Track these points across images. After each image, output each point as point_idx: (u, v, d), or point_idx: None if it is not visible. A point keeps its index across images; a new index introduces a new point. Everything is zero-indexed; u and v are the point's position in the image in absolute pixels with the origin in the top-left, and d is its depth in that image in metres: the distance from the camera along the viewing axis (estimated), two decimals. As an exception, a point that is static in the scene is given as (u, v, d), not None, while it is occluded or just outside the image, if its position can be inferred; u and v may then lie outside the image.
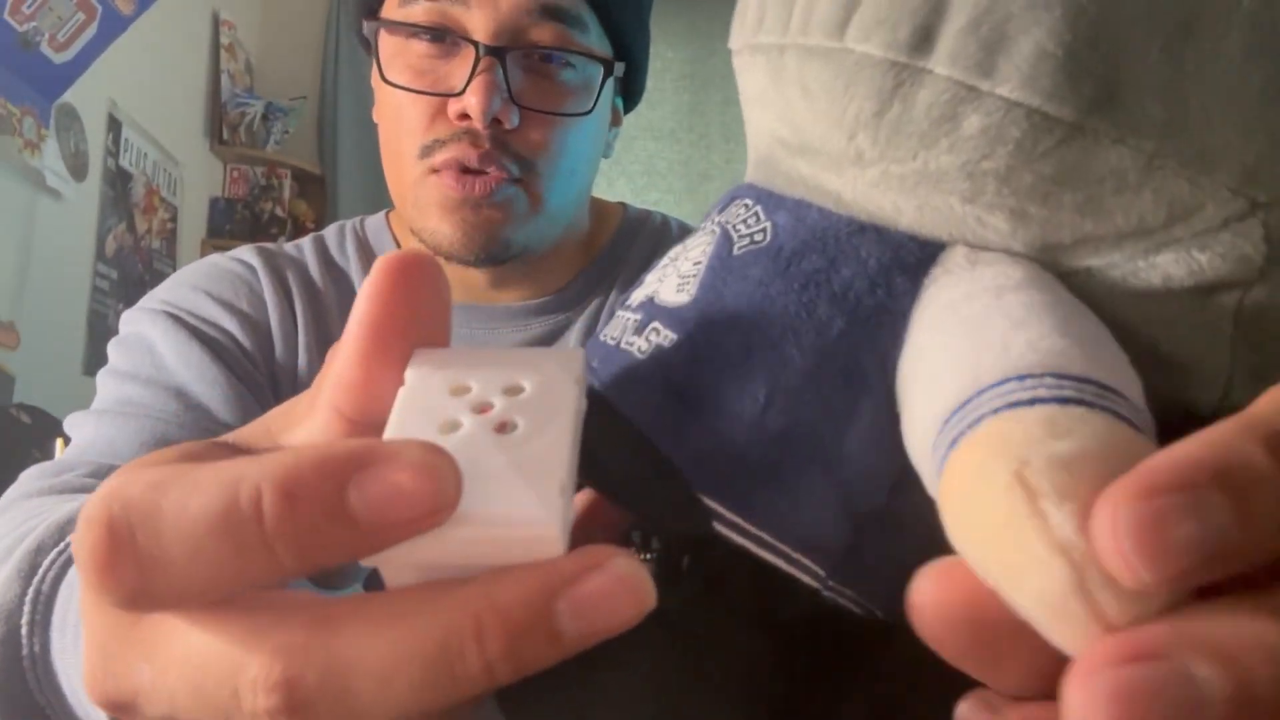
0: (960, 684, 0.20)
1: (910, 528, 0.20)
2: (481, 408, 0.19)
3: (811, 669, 0.22)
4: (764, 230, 0.23)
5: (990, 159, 0.20)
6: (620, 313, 0.26)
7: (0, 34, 1.74)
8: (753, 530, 0.21)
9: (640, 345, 0.23)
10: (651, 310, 0.24)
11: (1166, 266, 0.20)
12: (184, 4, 2.38)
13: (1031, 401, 0.15)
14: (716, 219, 0.25)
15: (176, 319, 0.60)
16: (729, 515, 0.21)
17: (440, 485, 0.16)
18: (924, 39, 0.19)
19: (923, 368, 0.19)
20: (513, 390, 0.19)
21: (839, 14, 0.21)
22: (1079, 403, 0.15)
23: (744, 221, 0.24)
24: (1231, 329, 0.20)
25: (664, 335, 0.23)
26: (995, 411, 0.15)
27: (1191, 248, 0.19)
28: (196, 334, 0.60)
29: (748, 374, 0.21)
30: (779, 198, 0.24)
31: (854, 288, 0.21)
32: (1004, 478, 0.14)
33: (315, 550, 0.16)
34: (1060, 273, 0.21)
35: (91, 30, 1.92)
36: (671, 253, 0.26)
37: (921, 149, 0.20)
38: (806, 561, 0.20)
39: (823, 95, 0.21)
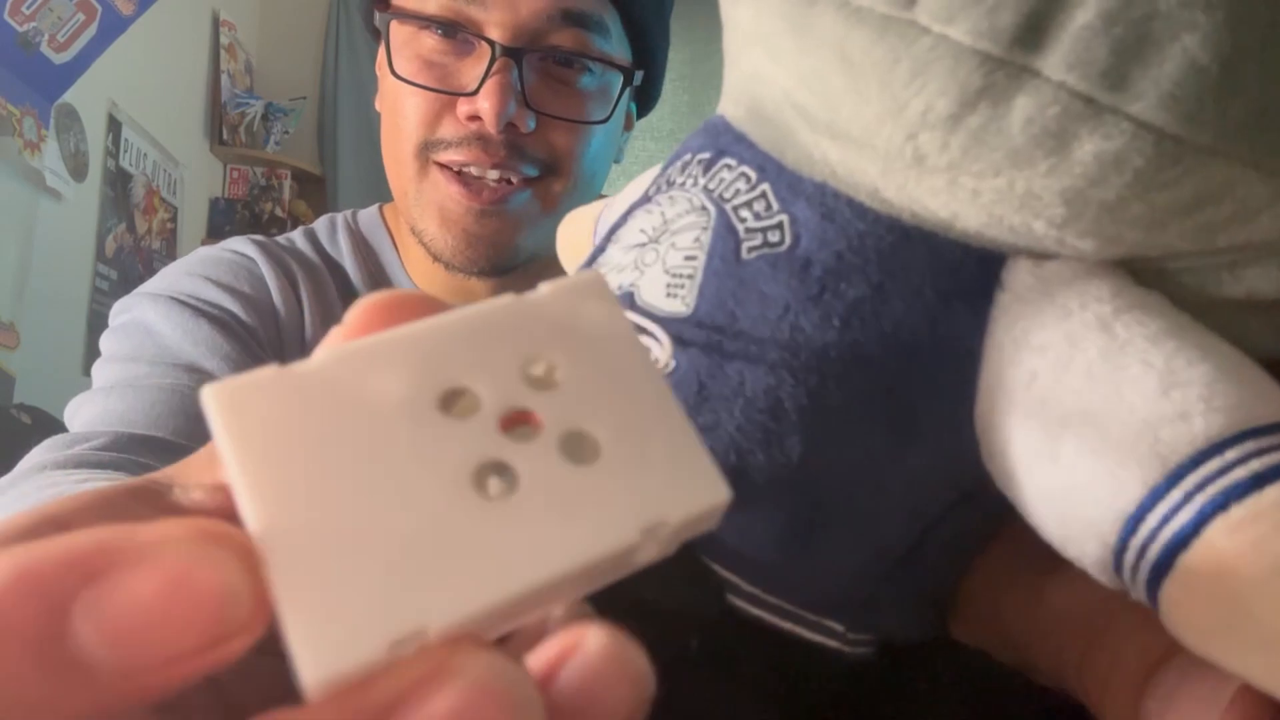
0: (979, 705, 0.19)
1: (930, 565, 0.19)
2: (513, 423, 0.12)
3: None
4: (779, 226, 0.19)
5: (1100, 188, 0.16)
6: None
7: (0, 34, 1.74)
8: (772, 601, 0.18)
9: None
10: (634, 315, 0.20)
11: (1252, 280, 0.17)
12: (184, 4, 2.38)
13: (1256, 482, 0.14)
14: (704, 184, 0.20)
15: (178, 301, 0.57)
16: (746, 587, 0.18)
17: (221, 598, 0.10)
18: (1034, 31, 0.15)
19: (1062, 441, 0.16)
20: (541, 373, 0.13)
21: None
22: None
23: (748, 206, 0.19)
24: None
25: (657, 358, 0.19)
26: (1223, 506, 0.14)
27: None
28: (202, 313, 0.56)
29: (777, 426, 0.17)
30: (794, 177, 0.19)
31: (908, 325, 0.17)
32: None
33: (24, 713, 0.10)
34: (1132, 269, 0.18)
35: (91, 31, 1.92)
36: (643, 223, 0.21)
37: (1010, 167, 0.16)
38: (828, 623, 0.19)
39: (873, 76, 0.17)
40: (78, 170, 1.99)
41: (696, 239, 0.19)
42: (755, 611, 0.18)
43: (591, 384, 0.12)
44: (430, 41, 0.56)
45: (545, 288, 0.13)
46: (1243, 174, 0.16)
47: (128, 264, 2.19)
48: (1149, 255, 0.18)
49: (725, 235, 0.19)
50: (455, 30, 0.55)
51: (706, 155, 0.21)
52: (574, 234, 0.33)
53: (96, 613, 0.10)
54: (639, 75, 0.60)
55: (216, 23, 2.55)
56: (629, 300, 0.20)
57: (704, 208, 0.20)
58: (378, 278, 0.65)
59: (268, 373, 0.12)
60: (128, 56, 2.07)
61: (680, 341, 0.18)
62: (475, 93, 0.54)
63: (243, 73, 2.66)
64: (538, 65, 0.56)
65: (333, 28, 2.68)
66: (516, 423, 0.12)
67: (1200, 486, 0.14)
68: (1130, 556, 0.15)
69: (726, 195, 0.20)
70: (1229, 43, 0.14)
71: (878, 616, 0.19)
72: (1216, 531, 0.14)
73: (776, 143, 0.20)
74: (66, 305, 2.01)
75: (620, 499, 0.12)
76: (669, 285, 0.19)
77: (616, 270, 0.21)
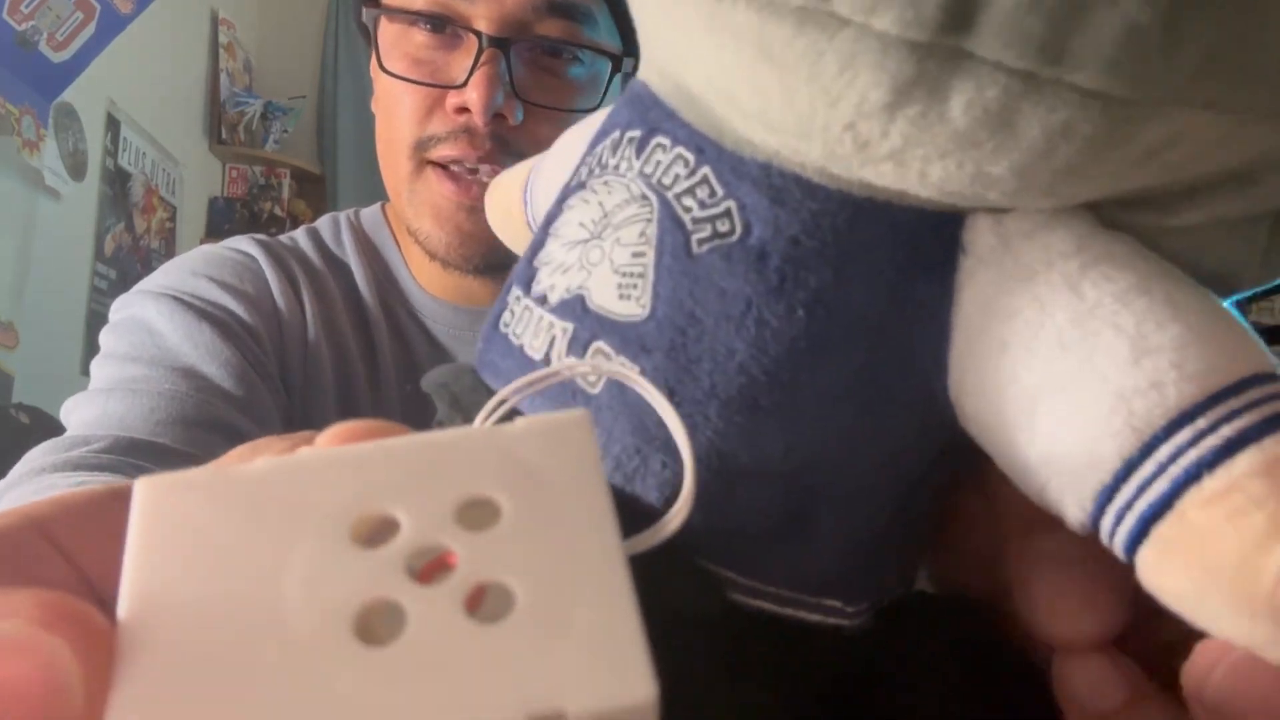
0: (980, 688, 0.19)
1: (917, 525, 0.20)
2: (425, 562, 0.11)
3: (844, 709, 0.20)
4: (727, 214, 0.18)
5: (1051, 158, 0.15)
6: (529, 304, 0.20)
7: (-1, 33, 1.74)
8: (770, 590, 0.18)
9: (586, 374, 0.18)
10: (587, 320, 0.19)
11: (1218, 205, 0.17)
12: (183, 3, 2.37)
13: (1227, 449, 0.14)
14: (639, 169, 0.19)
15: (179, 300, 0.56)
16: (744, 581, 0.18)
17: (50, 688, 0.09)
18: (961, 13, 0.14)
19: (1036, 413, 0.16)
20: (474, 513, 0.11)
21: None
22: (1263, 426, 0.14)
23: (690, 193, 0.18)
24: (1266, 241, 0.18)
25: (619, 364, 0.18)
26: (1195, 478, 0.14)
27: (1248, 184, 0.17)
28: (203, 314, 0.56)
29: (755, 425, 0.17)
30: (734, 159, 0.18)
31: (875, 307, 0.17)
32: None
33: None
34: (1092, 207, 0.18)
35: (90, 29, 1.91)
36: (581, 215, 0.20)
37: (956, 149, 0.16)
38: (827, 602, 0.19)
39: (800, 70, 0.16)
40: (76, 169, 1.99)
41: (642, 233, 0.19)
42: (755, 603, 0.18)
43: (531, 535, 0.11)
44: (419, 37, 0.57)
45: (524, 422, 0.12)
46: (1198, 115, 0.15)
47: (126, 263, 2.19)
48: (1109, 199, 0.17)
49: (672, 229, 0.18)
50: (443, 24, 0.55)
51: (637, 133, 0.20)
52: (502, 202, 0.33)
53: None
54: (628, 63, 0.60)
55: (215, 21, 2.54)
56: (579, 304, 0.19)
57: (644, 196, 0.19)
58: (382, 276, 0.65)
59: (203, 473, 0.11)
60: (126, 55, 2.07)
61: (643, 349, 0.18)
62: (464, 85, 0.54)
63: (242, 71, 2.66)
64: (526, 56, 0.56)
65: (332, 26, 2.68)
66: (440, 567, 0.11)
67: (1173, 458, 0.15)
68: (1107, 523, 0.16)
69: (666, 181, 0.19)
70: None
71: (874, 582, 0.19)
72: (1190, 503, 0.14)
73: (711, 123, 0.19)
74: (65, 304, 2.00)
75: (513, 673, 0.10)
76: (620, 286, 0.19)
77: (561, 271, 0.20)
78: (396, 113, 0.58)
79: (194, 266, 0.60)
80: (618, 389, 0.18)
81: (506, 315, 0.21)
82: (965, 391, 0.17)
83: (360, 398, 0.61)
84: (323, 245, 0.65)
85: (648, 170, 0.19)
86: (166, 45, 2.32)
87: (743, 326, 0.17)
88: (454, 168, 0.56)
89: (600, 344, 0.18)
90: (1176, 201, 0.17)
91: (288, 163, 2.63)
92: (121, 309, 0.58)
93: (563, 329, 0.19)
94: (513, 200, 0.31)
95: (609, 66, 0.58)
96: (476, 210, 0.56)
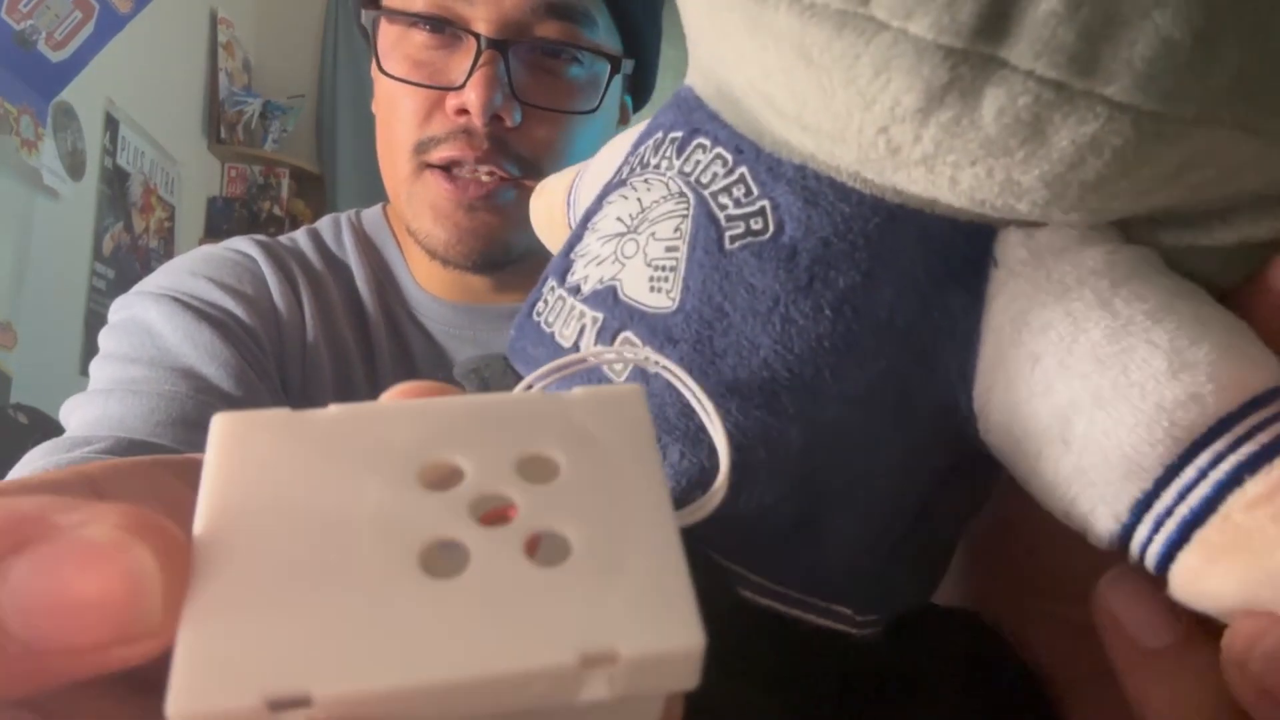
0: (985, 701, 0.19)
1: (932, 539, 0.20)
2: (488, 509, 0.11)
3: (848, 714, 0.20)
4: (761, 213, 0.18)
5: (1080, 170, 0.16)
6: (562, 294, 0.21)
7: (-3, 32, 1.73)
8: (780, 590, 0.18)
9: (611, 362, 0.19)
10: (618, 310, 0.19)
11: (1245, 226, 0.18)
12: (182, 2, 2.37)
13: (1267, 453, 0.15)
14: (679, 168, 0.20)
15: (179, 301, 0.56)
16: (754, 577, 0.18)
17: (132, 592, 0.10)
18: (996, 20, 0.14)
19: (1073, 425, 0.16)
20: (535, 468, 0.12)
21: None
22: None
23: (727, 191, 0.19)
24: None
25: (645, 356, 0.18)
26: (1238, 481, 0.15)
27: (1276, 204, 0.17)
28: (203, 315, 0.56)
29: (775, 420, 0.17)
30: (772, 159, 0.19)
31: (902, 312, 0.17)
32: None
33: None
34: (1121, 224, 0.18)
35: (89, 29, 1.91)
36: (619, 210, 0.21)
37: (986, 156, 0.16)
38: (837, 608, 0.19)
39: (837, 73, 0.16)
40: (75, 169, 1.99)
41: (677, 228, 0.19)
42: (764, 601, 0.18)
43: (587, 491, 0.11)
44: (419, 38, 0.57)
45: (581, 391, 0.13)
46: (1228, 136, 0.15)
47: (125, 263, 2.18)
48: (1139, 216, 0.18)
49: (706, 224, 0.19)
50: (442, 26, 0.56)
51: (679, 134, 0.21)
52: (546, 206, 0.34)
53: (13, 583, 0.10)
54: (629, 64, 0.60)
55: (214, 20, 2.54)
56: (611, 295, 0.19)
57: (681, 193, 0.19)
58: (381, 276, 0.65)
59: (279, 413, 0.12)
60: (125, 54, 2.06)
61: (670, 340, 0.18)
62: (463, 86, 0.54)
63: (241, 70, 2.66)
64: (525, 58, 0.56)
65: (331, 25, 2.68)
66: (499, 518, 0.11)
67: (1213, 463, 0.15)
68: (1143, 531, 0.16)
69: (704, 180, 0.19)
70: (1201, 14, 0.14)
71: (885, 594, 0.19)
72: (1234, 506, 0.15)
73: (751, 125, 0.19)
74: (64, 304, 2.00)
75: (569, 613, 0.10)
76: (652, 278, 0.19)
77: (597, 263, 0.20)
78: (396, 114, 0.58)
79: (193, 267, 0.60)
80: (640, 378, 0.18)
81: (540, 304, 0.21)
82: (992, 404, 0.17)
83: (359, 396, 0.61)
84: (323, 246, 0.66)
85: (687, 169, 0.20)
86: (165, 44, 2.32)
87: (769, 323, 0.17)
88: (453, 169, 0.57)
89: (628, 334, 0.19)
90: (1207, 220, 0.17)
91: (286, 162, 2.62)
92: (121, 310, 0.58)
93: (593, 318, 0.19)
94: (556, 204, 0.32)
95: (608, 69, 0.58)
96: (474, 208, 0.56)
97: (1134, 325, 0.16)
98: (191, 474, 0.15)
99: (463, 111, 0.55)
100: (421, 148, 0.57)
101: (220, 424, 0.12)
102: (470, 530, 0.11)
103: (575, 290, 0.20)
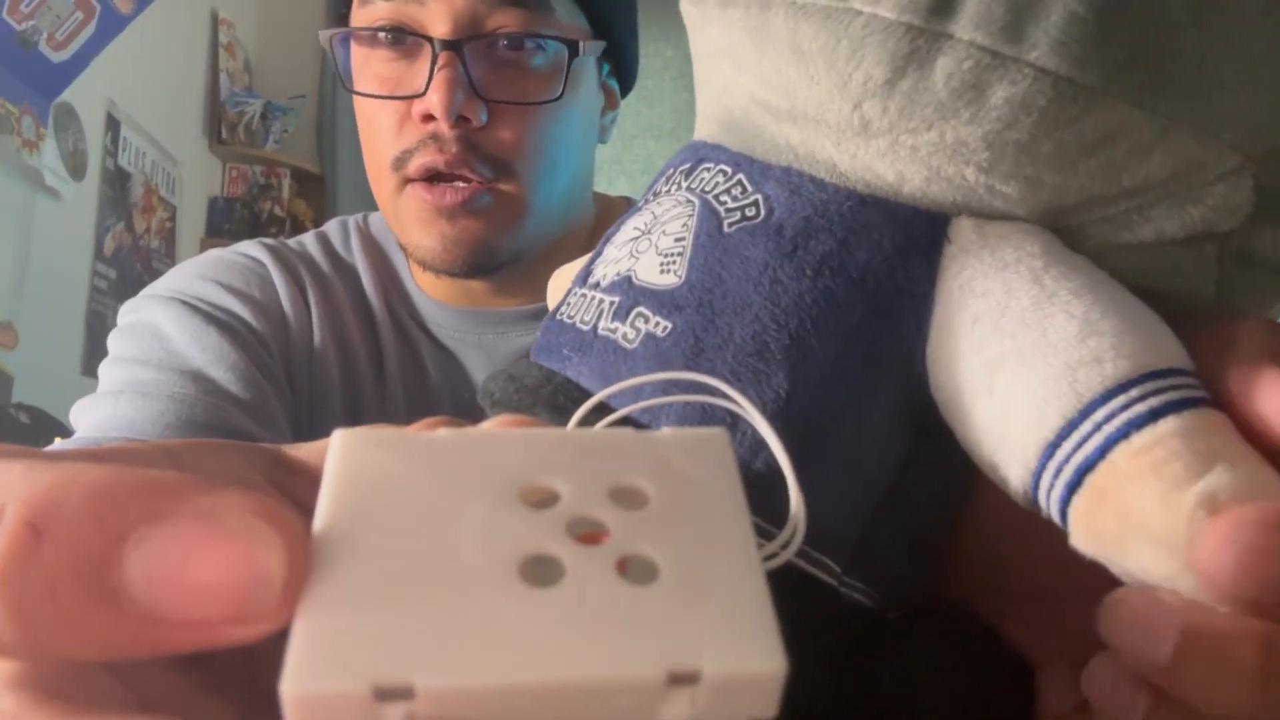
0: (970, 671, 0.20)
1: (915, 507, 0.21)
2: (582, 531, 0.12)
3: (832, 669, 0.22)
4: (755, 204, 0.22)
5: (1014, 129, 0.19)
6: (584, 291, 0.23)
7: (-2, 33, 1.74)
8: (770, 529, 0.19)
9: (626, 333, 0.21)
10: (633, 292, 0.22)
11: (1159, 220, 0.20)
12: (183, 3, 2.38)
13: (1152, 415, 0.17)
14: (686, 185, 0.23)
15: (188, 305, 0.57)
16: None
17: (255, 576, 0.11)
18: (945, 1, 0.18)
19: (996, 376, 0.18)
20: (626, 496, 0.13)
21: None
22: (1183, 403, 0.17)
23: (727, 192, 0.22)
24: (1216, 270, 0.21)
25: (655, 322, 0.21)
26: (1125, 435, 0.17)
27: (1185, 202, 0.20)
28: (211, 319, 0.56)
29: (765, 366, 0.20)
30: (763, 165, 0.22)
31: (871, 271, 0.20)
32: (1190, 506, 0.16)
33: (48, 628, 0.10)
34: (1055, 229, 0.21)
35: (90, 29, 1.92)
36: (635, 223, 0.24)
37: (939, 119, 0.19)
38: (825, 559, 0.20)
39: (821, 59, 0.20)
40: (76, 169, 1.99)
41: (684, 224, 0.22)
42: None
43: (675, 520, 0.12)
44: (382, 54, 0.57)
45: (670, 430, 0.14)
46: (1130, 113, 0.18)
47: (126, 263, 2.19)
48: (1066, 204, 0.20)
49: (708, 216, 0.22)
50: (402, 36, 0.56)
51: (687, 165, 0.24)
52: (561, 288, 0.35)
53: (145, 552, 0.10)
54: (596, 45, 0.59)
55: (215, 21, 2.55)
56: (626, 282, 0.22)
57: (689, 200, 0.23)
58: (387, 280, 0.65)
59: (394, 431, 0.13)
60: (126, 55, 2.07)
61: (676, 307, 0.21)
62: (425, 92, 0.54)
63: (241, 71, 2.66)
64: (485, 54, 0.56)
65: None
66: (591, 541, 0.12)
67: (1108, 418, 0.17)
68: (1047, 478, 0.18)
69: (708, 189, 0.23)
70: None
71: (870, 560, 0.20)
72: (1120, 455, 0.17)
73: (746, 142, 0.23)
74: (65, 304, 2.01)
75: (657, 630, 0.11)
76: (662, 264, 0.22)
77: (614, 262, 0.23)
78: (373, 132, 0.58)
79: (202, 271, 0.60)
80: (652, 344, 0.21)
81: (564, 306, 0.24)
82: (938, 360, 0.20)
83: (366, 400, 0.61)
84: (331, 249, 0.66)
85: (693, 185, 0.23)
86: (166, 45, 2.32)
87: (759, 284, 0.20)
88: (432, 180, 0.57)
89: (640, 309, 0.21)
90: (1128, 217, 0.20)
91: (287, 162, 2.63)
92: (130, 312, 0.59)
93: (610, 302, 0.22)
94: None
95: (568, 52, 0.57)
96: (455, 215, 0.56)
97: (1057, 298, 0.19)
98: (259, 460, 0.17)
99: (429, 117, 0.55)
100: (398, 163, 0.57)
101: (340, 438, 0.13)
102: (566, 547, 0.12)
103: (595, 285, 0.23)
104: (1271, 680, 0.15)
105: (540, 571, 0.11)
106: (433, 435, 0.13)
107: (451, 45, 0.54)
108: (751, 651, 0.11)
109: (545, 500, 0.12)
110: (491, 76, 0.55)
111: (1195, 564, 0.15)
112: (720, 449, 0.14)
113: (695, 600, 0.11)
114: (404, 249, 0.60)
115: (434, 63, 0.54)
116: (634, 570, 0.12)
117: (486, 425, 0.15)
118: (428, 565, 0.11)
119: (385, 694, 0.10)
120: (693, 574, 0.12)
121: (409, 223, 0.58)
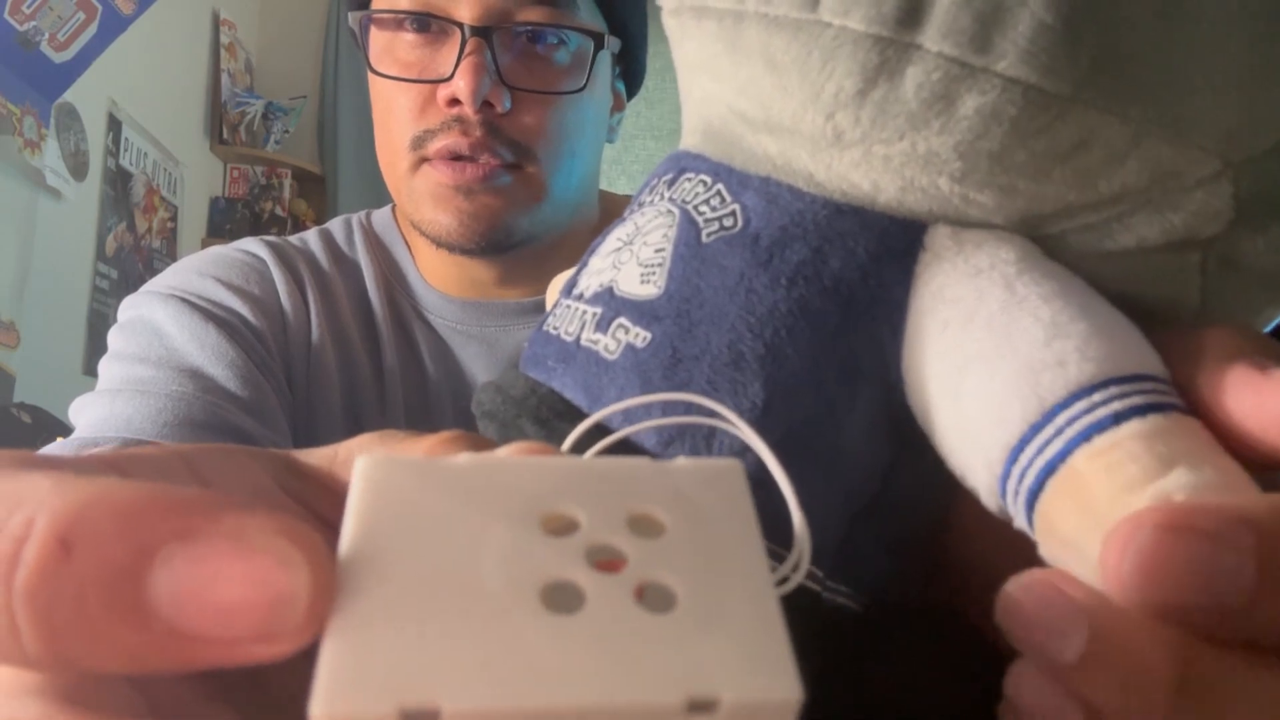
0: (960, 668, 0.20)
1: (898, 512, 0.21)
2: (600, 559, 0.12)
3: (817, 673, 0.22)
4: (732, 214, 0.22)
5: (985, 139, 0.19)
6: (568, 303, 0.24)
7: (0, 33, 1.74)
8: (776, 549, 0.19)
9: (607, 344, 0.21)
10: (613, 303, 0.22)
11: (1139, 227, 0.20)
12: (184, 3, 2.38)
13: (1115, 419, 0.16)
14: (669, 196, 0.23)
15: (187, 302, 0.57)
16: None
17: (280, 596, 0.11)
18: (912, 12, 0.18)
19: (963, 380, 0.18)
20: (643, 525, 0.13)
21: None
22: (1149, 408, 0.17)
23: (706, 203, 0.22)
24: (1200, 278, 0.21)
25: (635, 333, 0.21)
26: (1087, 438, 0.16)
27: (1164, 208, 0.20)
28: (210, 316, 0.56)
29: (741, 376, 0.20)
30: (742, 175, 0.22)
31: (845, 280, 0.20)
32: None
33: (75, 642, 0.11)
34: (1035, 238, 0.20)
35: (91, 30, 1.92)
36: (618, 233, 0.24)
37: (910, 130, 0.19)
38: (807, 565, 0.20)
39: (794, 71, 0.20)
40: (78, 169, 2.00)
41: (664, 234, 0.22)
42: None
43: (691, 549, 0.12)
44: (407, 39, 0.58)
45: (685, 461, 0.14)
46: (1102, 119, 0.18)
47: (128, 263, 2.19)
48: (1044, 211, 0.20)
49: (687, 227, 0.22)
50: (428, 22, 0.56)
51: (670, 175, 0.24)
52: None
53: (173, 569, 0.11)
54: (614, 42, 0.61)
55: (216, 21, 2.55)
56: (608, 293, 0.22)
57: (669, 211, 0.23)
58: (389, 274, 0.66)
59: (417, 457, 0.13)
60: (128, 55, 2.07)
61: (655, 318, 0.21)
62: (452, 76, 0.55)
63: (243, 71, 2.67)
64: (511, 44, 0.57)
65: (333, 26, 2.68)
66: (609, 569, 0.12)
67: (1070, 422, 0.17)
68: (1012, 483, 0.18)
69: (688, 199, 0.23)
70: (1066, 4, 0.17)
71: (854, 564, 0.20)
72: (1080, 457, 0.17)
73: (726, 151, 0.23)
74: (66, 304, 2.01)
75: (676, 658, 0.11)
76: (642, 274, 0.22)
77: (597, 273, 0.23)
78: (392, 114, 0.59)
79: (201, 268, 0.61)
80: (632, 355, 0.21)
81: (551, 318, 0.24)
82: (911, 366, 0.20)
83: (365, 397, 0.61)
84: (334, 245, 0.66)
85: (674, 195, 0.23)
86: (168, 45, 2.33)
87: (735, 294, 0.20)
88: (449, 158, 0.57)
89: (621, 320, 0.21)
90: (1107, 225, 0.20)
91: (289, 163, 2.63)
92: (129, 309, 0.59)
93: (592, 313, 0.22)
94: None
95: (592, 45, 0.59)
96: (473, 192, 0.57)
97: (1026, 303, 0.18)
98: (271, 466, 0.17)
99: (454, 102, 0.56)
100: (418, 142, 0.57)
101: (364, 463, 0.13)
102: (586, 574, 0.12)
103: (579, 297, 0.23)
104: (1186, 694, 0.13)
105: (561, 598, 0.12)
106: (454, 461, 0.13)
107: (480, 32, 0.55)
108: (769, 679, 0.11)
109: (565, 528, 0.13)
110: (517, 65, 0.57)
111: (1100, 569, 0.14)
112: (734, 479, 0.14)
113: (712, 628, 0.11)
114: (416, 226, 0.60)
115: (462, 48, 0.55)
116: (651, 598, 0.12)
117: (504, 451, 0.15)
118: (452, 590, 0.11)
119: (412, 716, 0.10)
120: (709, 602, 0.12)
121: (423, 200, 0.58)
